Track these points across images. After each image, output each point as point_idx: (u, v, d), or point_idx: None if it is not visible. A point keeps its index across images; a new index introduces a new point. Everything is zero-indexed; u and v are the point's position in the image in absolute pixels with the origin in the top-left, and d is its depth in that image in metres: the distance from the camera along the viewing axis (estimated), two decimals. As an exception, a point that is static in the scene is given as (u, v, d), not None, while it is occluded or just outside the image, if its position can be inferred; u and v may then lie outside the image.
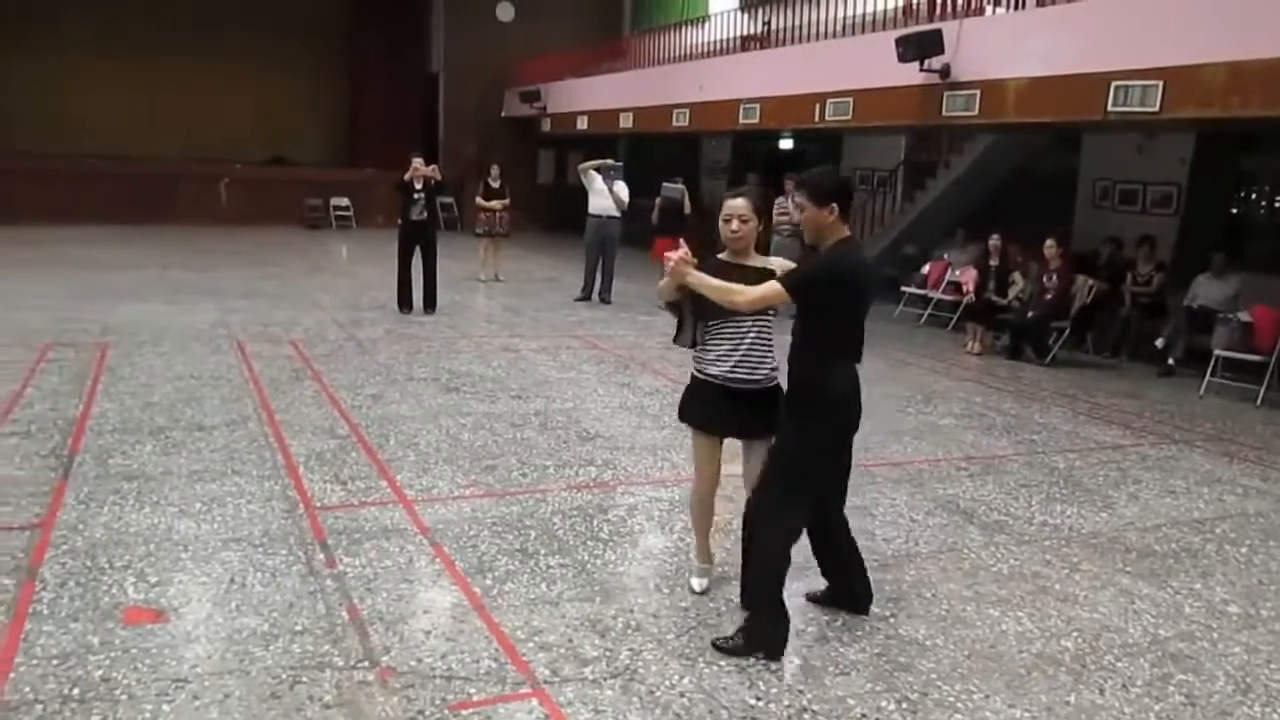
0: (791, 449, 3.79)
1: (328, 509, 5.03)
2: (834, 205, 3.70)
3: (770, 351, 4.00)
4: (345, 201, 22.12)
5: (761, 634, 3.76)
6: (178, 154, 21.96)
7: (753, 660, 3.68)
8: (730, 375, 3.95)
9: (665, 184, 12.81)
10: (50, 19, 20.91)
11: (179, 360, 8.24)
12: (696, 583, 4.29)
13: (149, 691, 3.27)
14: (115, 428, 6.27)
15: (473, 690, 3.39)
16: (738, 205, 3.95)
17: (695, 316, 4.04)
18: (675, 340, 4.23)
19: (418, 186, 11.03)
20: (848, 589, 4.13)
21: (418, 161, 11.10)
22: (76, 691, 3.25)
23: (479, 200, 14.05)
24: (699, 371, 4.06)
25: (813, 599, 4.18)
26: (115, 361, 8.08)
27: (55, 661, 3.42)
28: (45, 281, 12.24)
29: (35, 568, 4.17)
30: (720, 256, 4.05)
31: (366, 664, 3.52)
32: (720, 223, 3.99)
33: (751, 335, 3.94)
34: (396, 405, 7.16)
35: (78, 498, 5.02)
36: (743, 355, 3.95)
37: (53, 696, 3.21)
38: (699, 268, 3.89)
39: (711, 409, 4.03)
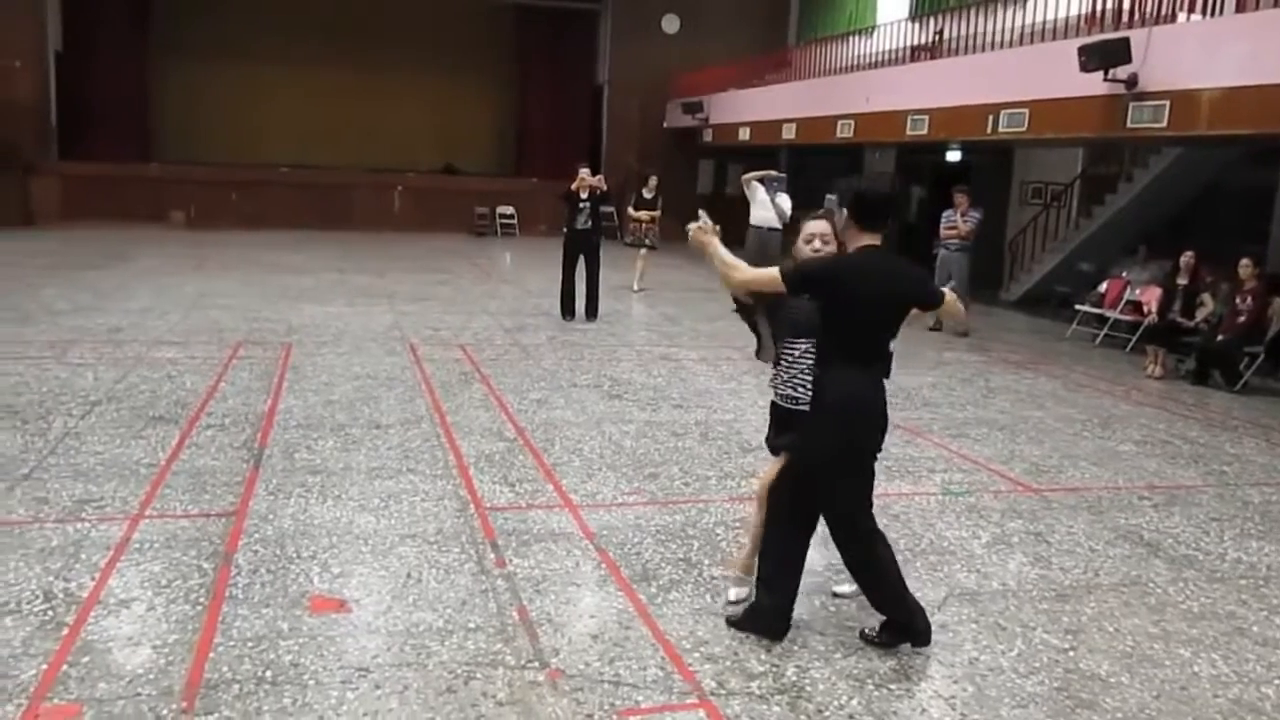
0: (793, 457, 3.89)
1: (497, 509, 5.17)
2: (844, 212, 3.79)
3: None
4: (510, 210, 22.78)
5: (755, 614, 3.91)
6: (356, 163, 23.09)
7: (927, 687, 3.58)
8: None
9: (829, 196, 12.63)
10: (243, 37, 22.34)
11: (357, 361, 8.64)
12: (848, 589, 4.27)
13: (334, 678, 3.42)
14: (299, 423, 6.61)
15: (640, 698, 3.41)
16: (821, 226, 4.03)
17: (770, 329, 4.14)
18: (758, 355, 4.29)
19: (584, 196, 11.23)
20: (906, 620, 3.81)
21: (584, 172, 11.31)
22: (269, 674, 3.43)
23: (629, 210, 14.29)
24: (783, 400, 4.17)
25: (868, 639, 3.86)
26: (299, 360, 8.53)
27: (250, 644, 3.63)
28: (237, 283, 13.05)
29: (231, 554, 4.43)
30: None
31: (536, 664, 3.59)
32: (801, 243, 4.04)
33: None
34: (561, 411, 7.30)
35: (267, 489, 5.31)
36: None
37: (248, 677, 3.40)
38: None
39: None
